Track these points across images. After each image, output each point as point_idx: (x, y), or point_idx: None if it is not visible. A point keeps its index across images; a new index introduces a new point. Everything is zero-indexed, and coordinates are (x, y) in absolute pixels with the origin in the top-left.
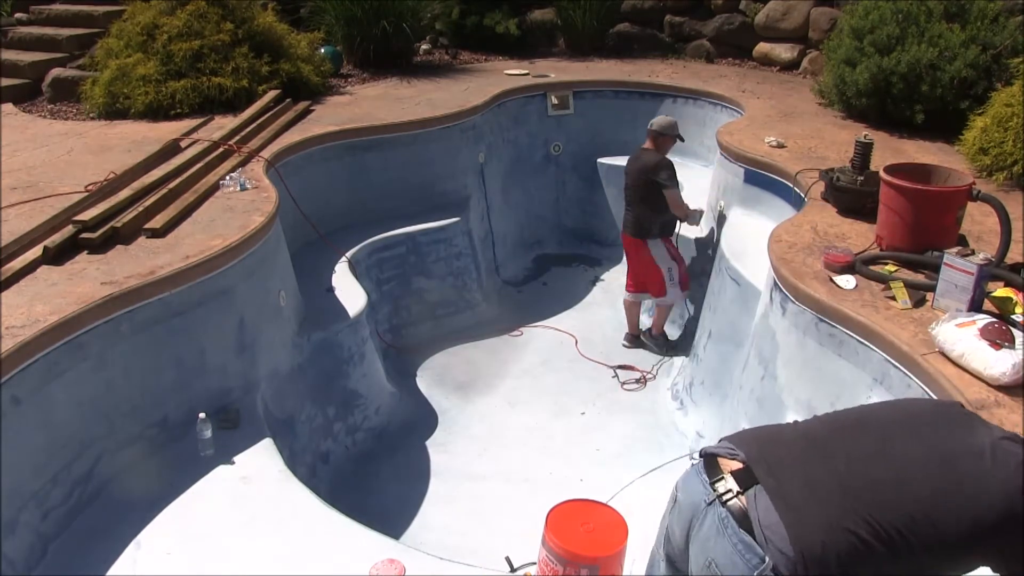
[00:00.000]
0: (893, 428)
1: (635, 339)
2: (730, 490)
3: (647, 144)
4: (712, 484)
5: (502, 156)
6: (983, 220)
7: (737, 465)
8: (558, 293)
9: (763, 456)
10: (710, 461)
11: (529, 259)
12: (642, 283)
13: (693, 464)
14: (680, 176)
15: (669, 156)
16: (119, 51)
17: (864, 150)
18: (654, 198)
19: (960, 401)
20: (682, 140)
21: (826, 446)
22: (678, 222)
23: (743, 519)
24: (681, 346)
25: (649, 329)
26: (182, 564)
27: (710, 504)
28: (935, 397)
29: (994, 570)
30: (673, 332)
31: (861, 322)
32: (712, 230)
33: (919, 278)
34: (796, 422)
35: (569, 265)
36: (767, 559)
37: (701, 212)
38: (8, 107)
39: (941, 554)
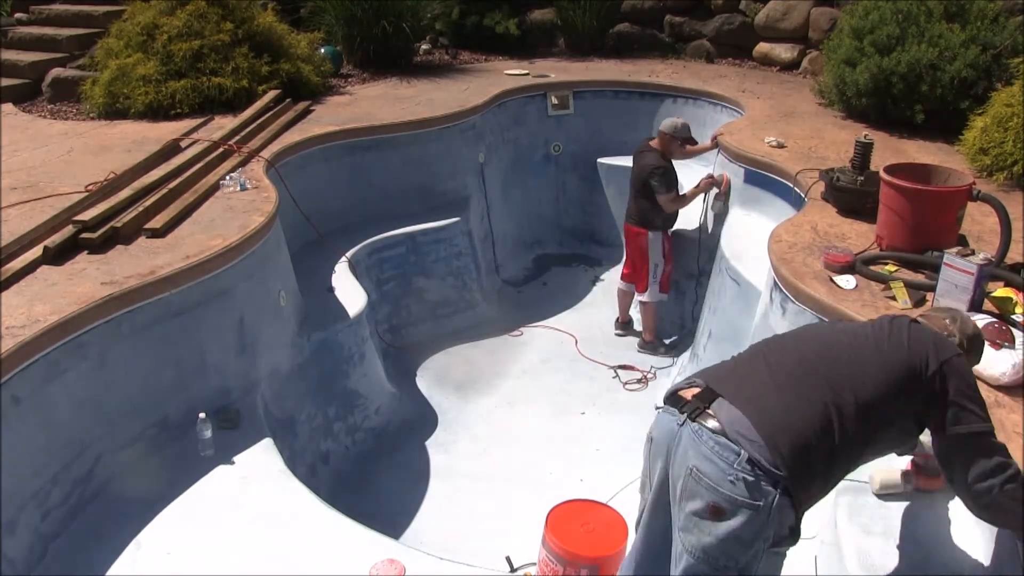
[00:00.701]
0: (806, 328)
1: (625, 326)
2: (697, 407)
3: (654, 142)
4: (679, 411)
5: (502, 156)
6: (983, 220)
7: (696, 390)
8: (558, 293)
9: (715, 375)
10: (672, 399)
11: (529, 259)
12: (633, 273)
13: (659, 409)
14: (680, 176)
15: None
16: (119, 51)
17: (864, 150)
18: (653, 195)
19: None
20: (693, 143)
21: (757, 355)
22: (707, 212)
23: (714, 428)
24: (680, 346)
25: (642, 336)
26: (182, 564)
27: (682, 425)
28: None
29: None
30: (671, 332)
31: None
32: (713, 230)
33: (919, 278)
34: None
35: (569, 265)
36: (742, 451)
37: (716, 191)
38: (8, 107)
39: (872, 416)
